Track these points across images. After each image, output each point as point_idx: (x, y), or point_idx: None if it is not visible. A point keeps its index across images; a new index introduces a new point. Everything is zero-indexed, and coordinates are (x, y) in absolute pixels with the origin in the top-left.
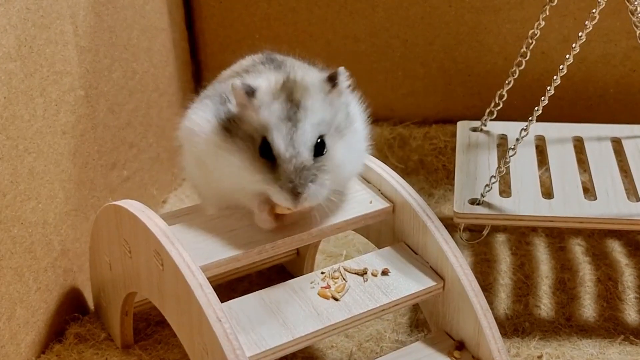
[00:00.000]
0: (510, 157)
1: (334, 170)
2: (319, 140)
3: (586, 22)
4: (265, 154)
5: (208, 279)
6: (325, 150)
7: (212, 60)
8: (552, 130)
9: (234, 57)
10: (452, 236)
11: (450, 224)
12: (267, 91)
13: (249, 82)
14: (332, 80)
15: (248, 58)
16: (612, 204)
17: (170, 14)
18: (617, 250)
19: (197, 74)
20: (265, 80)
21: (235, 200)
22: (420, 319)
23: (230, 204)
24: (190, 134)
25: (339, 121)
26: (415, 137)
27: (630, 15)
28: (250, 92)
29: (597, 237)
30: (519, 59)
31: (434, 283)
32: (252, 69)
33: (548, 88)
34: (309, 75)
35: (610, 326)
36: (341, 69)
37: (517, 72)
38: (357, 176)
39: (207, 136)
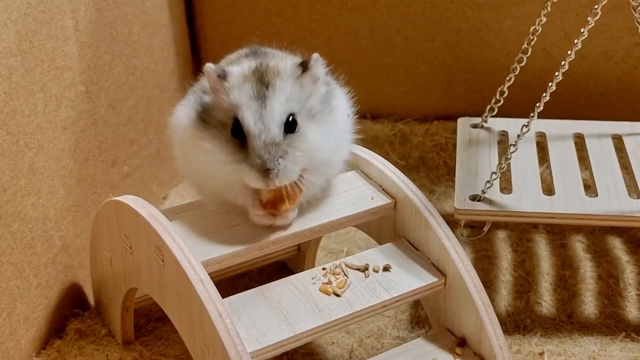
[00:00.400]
0: (511, 153)
1: (307, 150)
2: (290, 119)
3: (588, 18)
4: (237, 134)
5: (209, 275)
6: (297, 128)
7: (212, 56)
8: (553, 127)
9: None
10: (453, 233)
11: (451, 221)
12: (239, 74)
13: (222, 67)
14: (304, 65)
15: (235, 52)
16: (613, 201)
17: (171, 10)
18: (618, 247)
19: (198, 70)
20: (238, 67)
21: (224, 195)
22: (421, 316)
23: (224, 200)
24: (174, 128)
25: (312, 104)
26: (416, 133)
27: (633, 12)
28: (222, 75)
29: (598, 234)
30: (520, 55)
31: (436, 279)
32: (236, 61)
33: (550, 84)
34: (283, 61)
35: (612, 323)
36: (315, 55)
37: (518, 68)
38: (343, 167)
39: (186, 128)
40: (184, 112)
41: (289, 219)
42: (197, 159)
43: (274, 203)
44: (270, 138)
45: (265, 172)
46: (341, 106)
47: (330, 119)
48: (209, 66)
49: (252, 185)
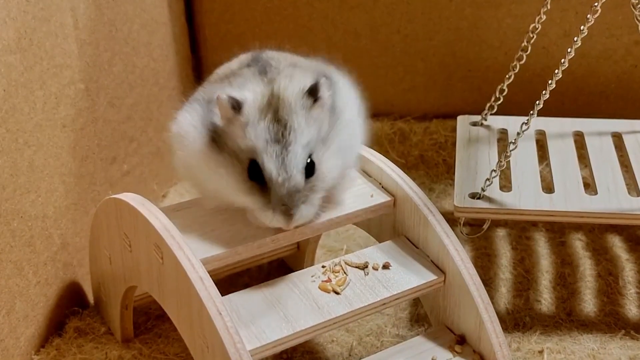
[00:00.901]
0: (511, 151)
1: (324, 181)
2: (308, 161)
3: (588, 16)
4: (254, 176)
5: (208, 272)
6: (315, 169)
7: (212, 54)
8: (553, 125)
9: (234, 52)
10: (452, 231)
11: (450, 219)
12: (253, 106)
13: (235, 95)
14: (313, 94)
15: (235, 60)
16: (612, 199)
17: (170, 8)
18: (617, 245)
19: (197, 68)
20: (250, 93)
21: (230, 203)
22: (421, 314)
23: (227, 204)
24: (180, 140)
25: (323, 131)
26: (416, 132)
27: (633, 9)
28: (237, 107)
29: (597, 232)
30: (520, 53)
31: (435, 277)
32: (239, 72)
33: (550, 81)
34: (292, 87)
35: (611, 321)
36: (323, 81)
37: (518, 66)
38: (354, 168)
39: (195, 146)
40: (191, 124)
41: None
42: (208, 179)
43: None
44: (293, 186)
45: (289, 216)
46: (347, 103)
47: (337, 127)
48: (221, 97)
49: (269, 225)
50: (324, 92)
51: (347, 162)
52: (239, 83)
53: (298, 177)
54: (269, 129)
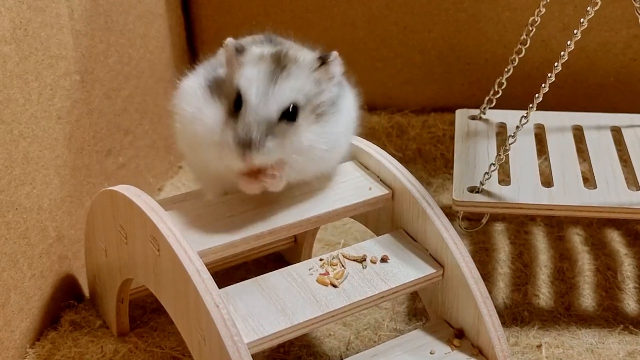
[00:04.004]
0: (510, 144)
1: (295, 144)
2: (291, 108)
3: (588, 8)
4: (238, 106)
5: (205, 265)
6: (296, 120)
7: (208, 46)
8: (552, 119)
9: None
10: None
11: (448, 213)
12: (257, 53)
13: (241, 42)
14: (323, 59)
15: (248, 37)
16: (611, 193)
17: (166, 0)
18: (616, 239)
19: (194, 60)
20: (257, 48)
21: (217, 170)
22: (419, 308)
23: (219, 180)
24: (179, 96)
25: (320, 103)
26: (414, 125)
27: (633, 2)
28: (240, 50)
29: (596, 226)
30: (519, 46)
31: (434, 270)
32: (252, 43)
33: (549, 75)
34: (302, 52)
35: (610, 316)
36: (334, 53)
37: (517, 59)
38: (337, 164)
39: (191, 92)
40: (193, 80)
41: (280, 184)
42: (202, 127)
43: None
44: (265, 114)
45: (246, 145)
46: (348, 107)
47: (333, 119)
48: (229, 40)
49: (230, 163)
50: (334, 64)
51: (326, 158)
52: (249, 43)
53: (273, 108)
54: (266, 67)
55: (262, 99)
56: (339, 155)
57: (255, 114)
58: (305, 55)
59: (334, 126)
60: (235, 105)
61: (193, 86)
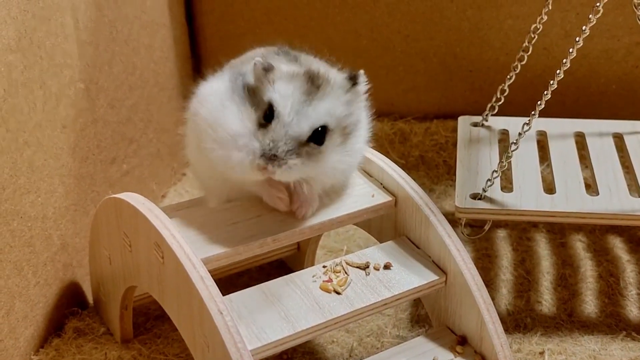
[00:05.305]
0: (512, 151)
1: (323, 169)
2: (319, 128)
3: (590, 16)
4: (268, 118)
5: (208, 272)
6: (324, 143)
7: (212, 55)
8: (554, 126)
9: (234, 53)
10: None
11: (451, 220)
12: (287, 70)
13: (270, 62)
14: (353, 79)
15: (258, 49)
16: (614, 200)
17: (170, 10)
18: (618, 246)
19: (198, 69)
20: (285, 65)
21: (234, 177)
22: (422, 315)
23: (231, 186)
24: (202, 98)
25: (347, 124)
26: (416, 132)
27: (635, 9)
28: (269, 68)
29: (598, 233)
30: (521, 53)
31: (437, 277)
32: (268, 57)
33: (551, 82)
34: (331, 72)
35: (612, 322)
36: (361, 73)
37: (519, 67)
38: (347, 180)
39: (219, 94)
40: (219, 84)
41: (309, 212)
42: (223, 124)
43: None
44: (295, 133)
45: (271, 158)
46: (365, 121)
47: (355, 137)
48: (257, 60)
49: (249, 172)
50: (362, 83)
51: (342, 175)
52: (276, 60)
53: (305, 128)
54: (299, 88)
55: (295, 117)
56: (355, 168)
57: (285, 130)
58: (335, 76)
59: (356, 143)
60: (265, 117)
61: (220, 89)
